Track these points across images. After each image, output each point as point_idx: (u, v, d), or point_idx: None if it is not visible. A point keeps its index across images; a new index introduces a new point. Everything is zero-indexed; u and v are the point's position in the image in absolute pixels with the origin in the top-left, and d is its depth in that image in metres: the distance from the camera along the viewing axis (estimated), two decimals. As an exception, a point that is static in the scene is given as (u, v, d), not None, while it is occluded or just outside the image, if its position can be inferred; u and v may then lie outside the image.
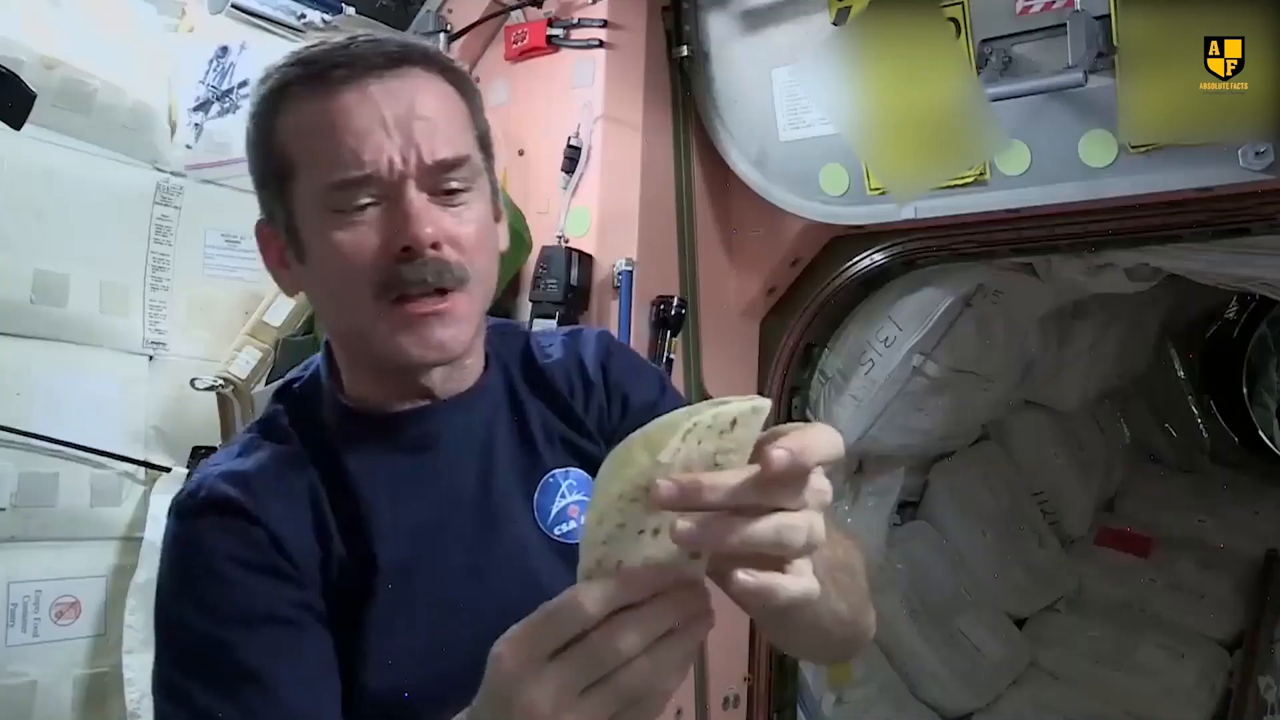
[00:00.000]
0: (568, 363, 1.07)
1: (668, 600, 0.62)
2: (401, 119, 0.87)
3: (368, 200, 0.87)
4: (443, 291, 0.88)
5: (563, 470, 1.01)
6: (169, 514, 0.92)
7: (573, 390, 1.05)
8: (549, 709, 0.60)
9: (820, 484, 0.63)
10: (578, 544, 0.88)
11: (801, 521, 0.61)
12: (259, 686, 0.82)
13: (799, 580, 0.63)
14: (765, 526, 0.60)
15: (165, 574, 0.90)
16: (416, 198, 0.87)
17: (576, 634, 0.60)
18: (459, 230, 0.89)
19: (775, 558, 0.62)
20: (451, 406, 0.97)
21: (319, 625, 0.88)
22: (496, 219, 0.97)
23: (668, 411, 0.97)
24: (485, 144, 0.96)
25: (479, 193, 0.92)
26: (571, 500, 1.00)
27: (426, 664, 0.89)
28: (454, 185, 0.90)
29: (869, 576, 0.95)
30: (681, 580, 0.62)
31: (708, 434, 0.61)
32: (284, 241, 0.93)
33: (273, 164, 0.91)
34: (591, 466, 0.99)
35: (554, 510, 0.99)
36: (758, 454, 0.61)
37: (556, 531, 0.99)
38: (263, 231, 0.97)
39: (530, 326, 1.90)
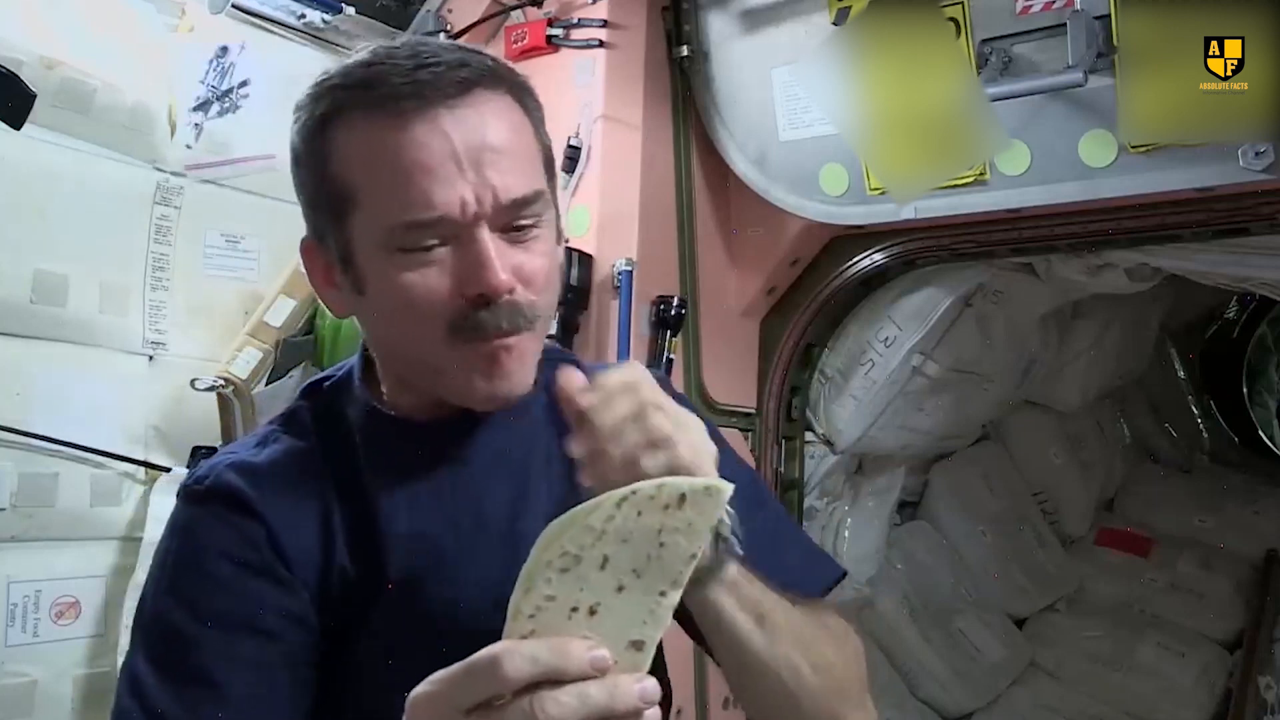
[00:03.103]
0: None
1: (603, 683, 0.58)
2: (474, 154, 0.82)
3: (435, 241, 0.82)
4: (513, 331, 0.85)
5: None
6: (176, 495, 0.90)
7: None
8: None
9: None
10: None
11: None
12: (217, 696, 0.79)
13: None
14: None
15: (158, 558, 0.87)
16: (491, 242, 0.82)
17: (493, 695, 0.58)
18: (531, 268, 0.85)
19: None
20: (488, 423, 0.92)
21: (302, 638, 0.84)
22: (559, 241, 0.93)
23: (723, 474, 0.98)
24: (549, 164, 0.92)
25: (548, 223, 0.89)
26: None
27: None
28: (526, 222, 0.85)
29: (865, 674, 0.94)
30: (621, 669, 0.59)
31: (649, 505, 0.59)
32: (337, 267, 0.89)
33: (328, 189, 0.86)
34: None
35: None
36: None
37: None
38: (310, 249, 0.92)
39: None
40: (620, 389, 0.77)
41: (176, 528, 0.88)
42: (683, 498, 0.59)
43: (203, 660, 0.79)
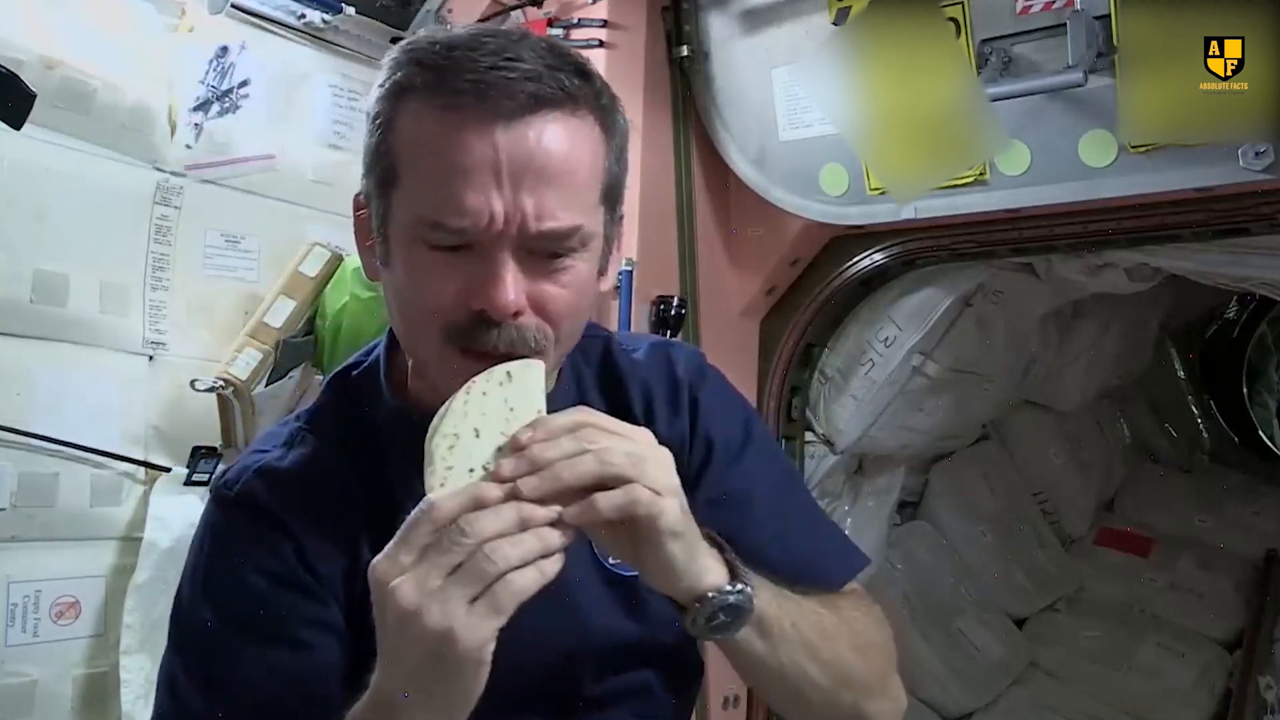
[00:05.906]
0: (653, 371, 1.01)
1: (516, 503, 0.70)
2: (517, 173, 0.79)
3: (459, 242, 0.81)
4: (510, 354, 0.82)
5: None
6: (209, 493, 0.94)
7: (651, 404, 0.99)
8: (414, 599, 0.67)
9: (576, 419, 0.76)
10: (631, 577, 0.89)
11: (611, 444, 0.74)
12: (253, 705, 0.81)
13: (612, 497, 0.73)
14: (588, 460, 0.73)
15: (191, 557, 0.90)
16: (511, 262, 0.80)
17: (432, 539, 0.69)
18: (551, 295, 0.83)
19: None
20: None
21: (333, 645, 0.85)
22: (601, 274, 0.90)
23: (750, 461, 1.03)
24: (612, 195, 0.89)
25: (588, 254, 0.86)
26: None
27: None
28: (558, 250, 0.83)
29: (890, 662, 0.95)
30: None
31: (489, 386, 0.76)
32: (375, 233, 0.89)
33: (381, 160, 0.86)
34: None
35: None
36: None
37: (611, 561, 0.92)
38: (359, 208, 0.92)
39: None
40: (565, 428, 0.75)
41: (208, 531, 0.91)
42: (509, 374, 0.77)
43: (237, 669, 0.82)
